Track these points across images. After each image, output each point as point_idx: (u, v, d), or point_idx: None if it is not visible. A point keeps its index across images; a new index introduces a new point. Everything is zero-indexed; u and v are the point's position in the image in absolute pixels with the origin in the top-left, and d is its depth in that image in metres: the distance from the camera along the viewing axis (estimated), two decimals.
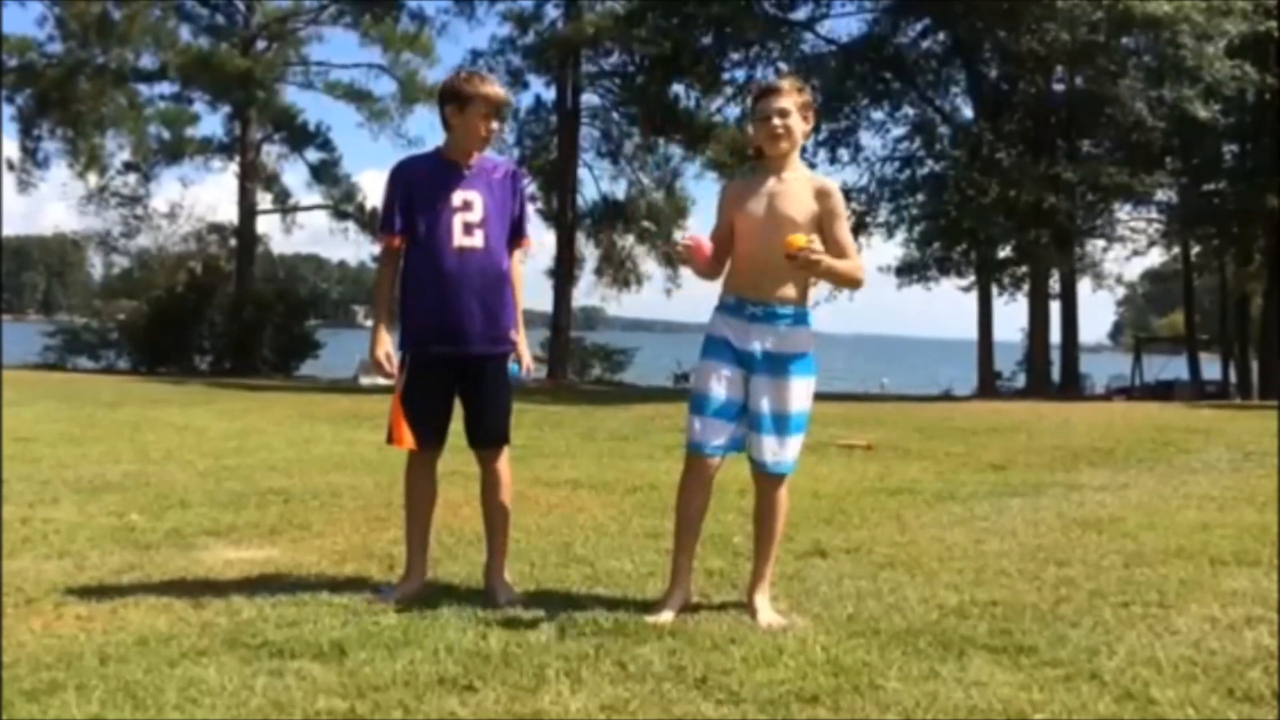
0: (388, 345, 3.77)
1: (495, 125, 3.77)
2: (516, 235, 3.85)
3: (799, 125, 3.52)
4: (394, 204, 3.80)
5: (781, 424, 3.50)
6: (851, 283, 3.66)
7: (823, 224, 3.50)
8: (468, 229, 3.69)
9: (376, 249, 32.74)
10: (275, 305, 29.97)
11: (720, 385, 3.50)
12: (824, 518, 5.40)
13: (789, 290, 3.51)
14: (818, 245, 3.36)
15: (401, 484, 3.94)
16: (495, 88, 3.77)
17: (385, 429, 3.83)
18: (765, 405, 3.49)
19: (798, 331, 3.53)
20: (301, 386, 21.28)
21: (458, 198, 3.70)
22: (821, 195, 3.53)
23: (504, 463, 3.85)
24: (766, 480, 3.58)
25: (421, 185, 3.76)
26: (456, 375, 3.76)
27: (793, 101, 3.50)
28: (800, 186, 3.54)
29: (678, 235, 3.60)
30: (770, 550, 3.60)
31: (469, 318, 3.69)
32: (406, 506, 3.89)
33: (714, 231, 3.65)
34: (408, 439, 3.76)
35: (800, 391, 3.52)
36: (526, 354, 3.86)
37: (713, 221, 3.70)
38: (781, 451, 3.52)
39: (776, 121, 3.48)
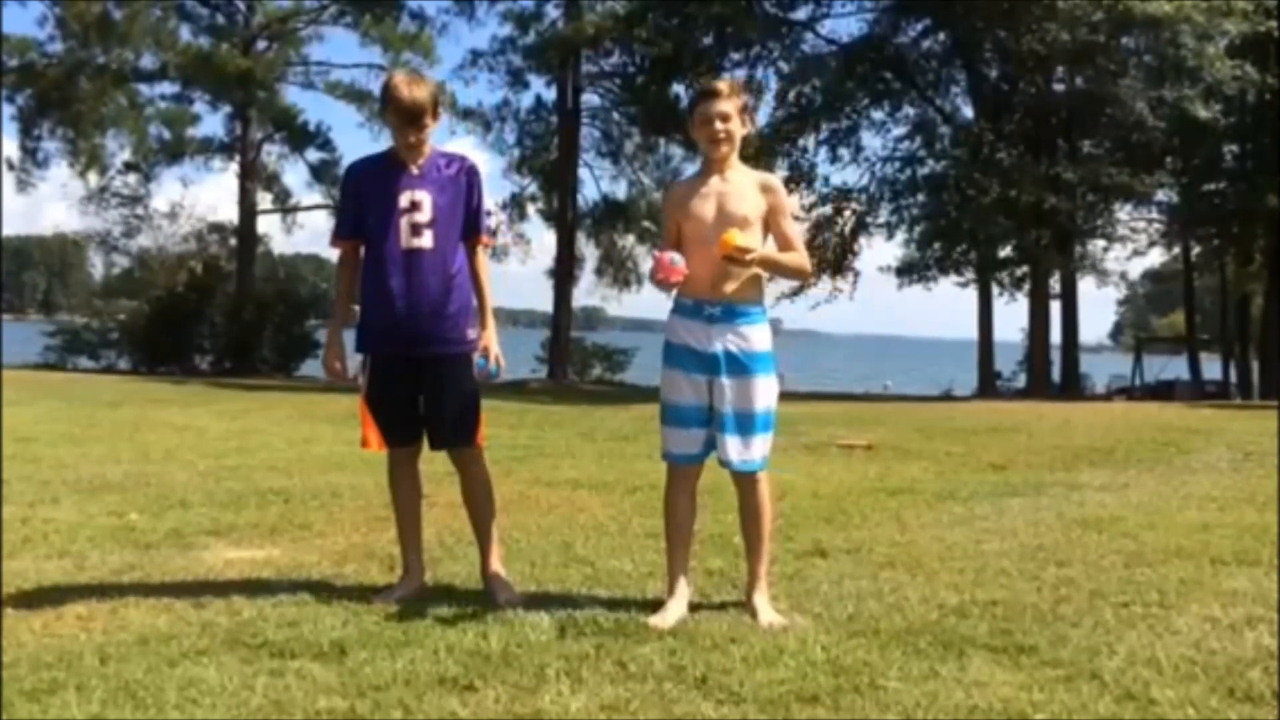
0: (337, 352, 3.80)
1: (418, 136, 3.62)
2: (473, 231, 3.78)
3: (739, 129, 3.55)
4: (344, 209, 3.81)
5: (747, 423, 3.50)
6: (798, 274, 3.72)
7: (768, 219, 3.56)
8: (415, 230, 3.65)
9: None
10: (275, 305, 29.94)
11: (687, 393, 3.52)
12: (824, 518, 5.40)
13: (746, 289, 3.54)
14: (752, 242, 3.45)
15: None
16: (410, 91, 3.59)
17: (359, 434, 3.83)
18: (730, 406, 3.49)
19: (758, 330, 3.55)
20: (301, 386, 21.26)
21: (405, 198, 3.65)
22: (766, 191, 3.58)
23: (478, 465, 3.82)
24: (739, 480, 3.59)
25: (369, 187, 3.71)
26: (415, 376, 3.72)
27: (733, 105, 3.53)
28: (745, 184, 3.58)
29: (654, 262, 3.54)
30: (761, 549, 3.60)
31: (419, 319, 3.65)
32: (394, 508, 3.90)
33: (664, 240, 3.66)
34: (375, 440, 3.76)
35: (764, 389, 3.52)
36: (495, 347, 3.77)
37: None
38: (747, 451, 3.51)
39: (718, 125, 3.51)
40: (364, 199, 3.72)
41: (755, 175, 3.65)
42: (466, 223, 3.75)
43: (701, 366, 3.51)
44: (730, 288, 3.50)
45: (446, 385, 3.72)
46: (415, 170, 3.69)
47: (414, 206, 3.66)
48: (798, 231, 3.69)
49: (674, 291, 3.56)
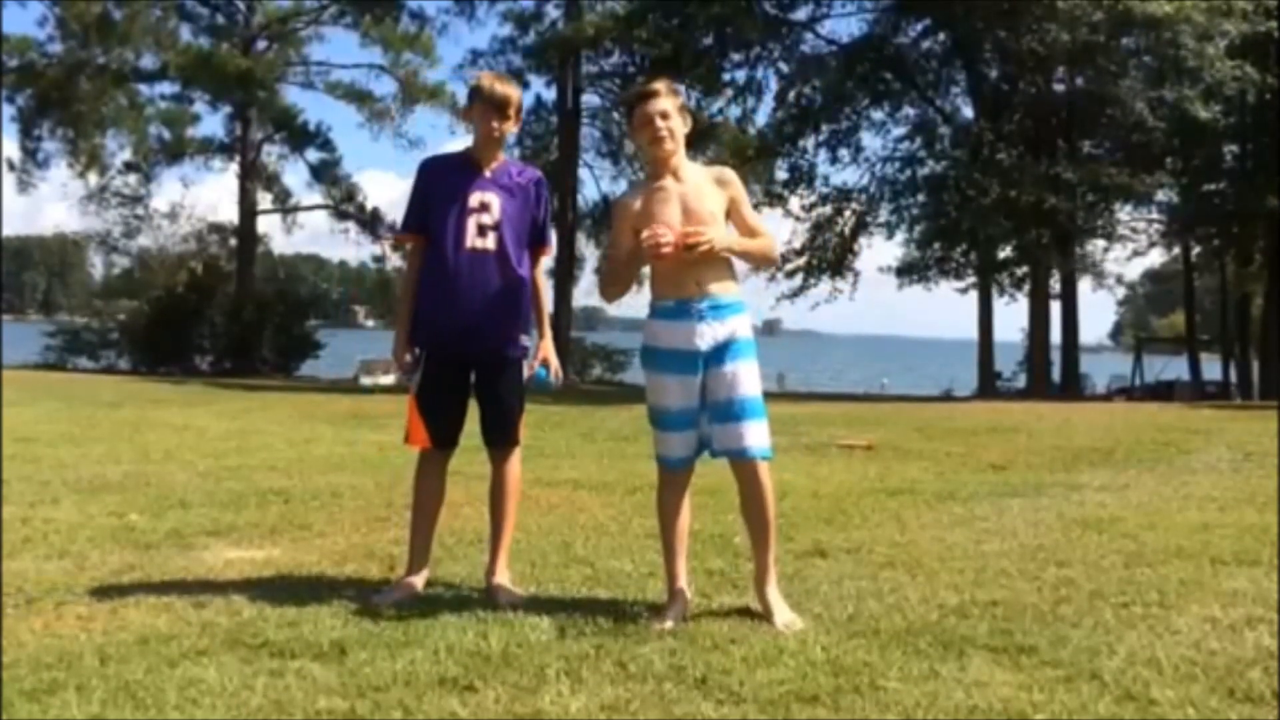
0: (406, 345, 3.80)
1: (501, 125, 3.74)
2: (539, 242, 3.86)
3: (680, 127, 3.55)
4: (412, 203, 3.86)
5: (750, 409, 3.49)
6: (766, 259, 3.74)
7: (730, 211, 3.58)
8: (481, 230, 3.71)
9: (376, 249, 32.67)
10: (275, 305, 30.00)
11: (678, 396, 3.51)
12: (824, 518, 5.40)
13: (727, 282, 3.54)
14: (717, 235, 3.46)
15: (406, 483, 3.96)
16: (501, 85, 3.76)
17: (403, 429, 3.85)
18: (722, 396, 3.49)
19: (741, 319, 3.56)
20: (301, 386, 21.28)
21: (475, 199, 3.72)
22: (724, 184, 3.59)
23: (512, 464, 3.86)
24: (742, 468, 3.54)
25: (440, 184, 3.79)
26: (469, 375, 3.78)
27: (672, 103, 3.53)
28: (702, 181, 3.58)
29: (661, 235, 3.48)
30: (768, 540, 3.55)
31: (478, 318, 3.70)
32: (414, 505, 3.89)
33: (613, 251, 3.65)
34: (421, 437, 3.77)
35: (749, 374, 3.51)
36: (554, 359, 3.84)
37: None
38: (747, 437, 3.48)
39: (660, 124, 3.50)
40: (432, 195, 3.78)
41: (708, 170, 3.66)
42: (532, 233, 3.82)
43: (690, 366, 3.49)
44: (713, 283, 3.49)
45: (500, 384, 3.78)
46: (488, 173, 3.77)
47: (483, 207, 3.72)
48: (760, 218, 3.71)
49: (651, 271, 3.55)
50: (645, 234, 3.39)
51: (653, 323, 3.56)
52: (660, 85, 3.57)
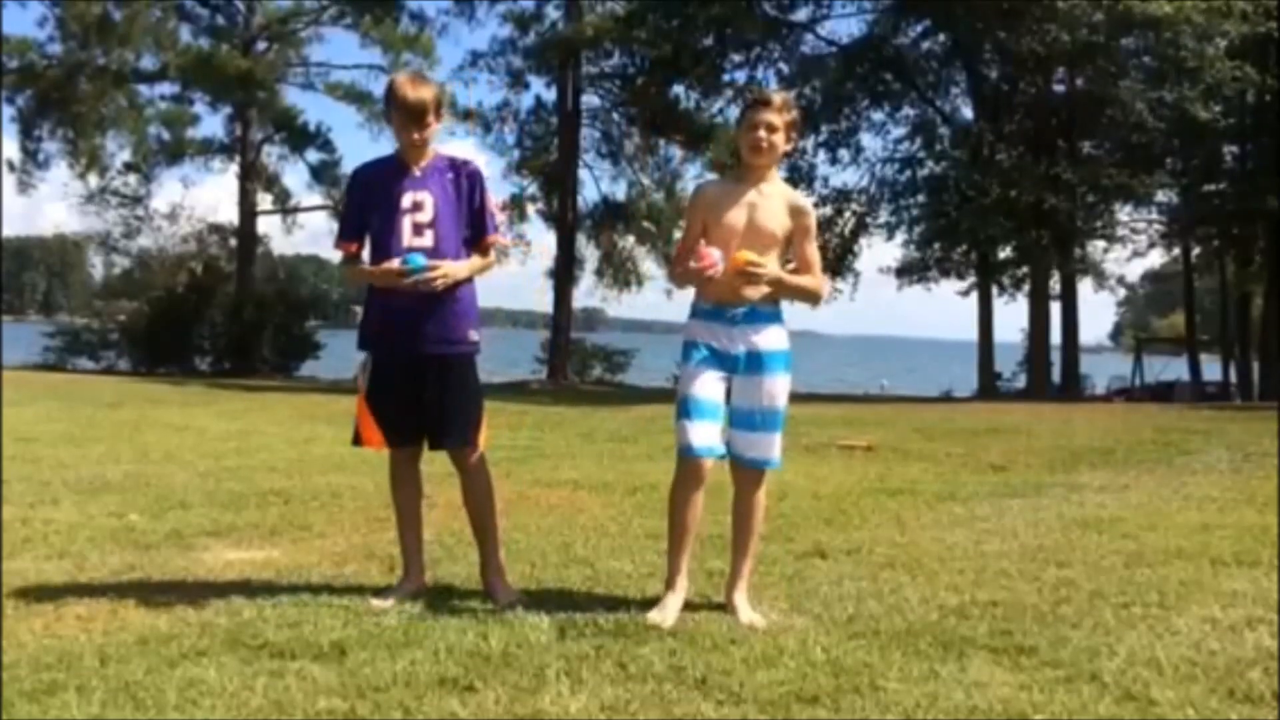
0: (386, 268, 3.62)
1: (421, 133, 3.63)
2: (478, 233, 3.79)
3: (782, 143, 3.60)
4: (347, 211, 3.86)
5: (767, 420, 3.59)
6: (810, 297, 3.76)
7: (793, 240, 3.65)
8: (417, 230, 3.67)
9: None
10: (275, 306, 29.96)
11: (706, 388, 3.55)
12: (824, 518, 5.40)
13: (766, 292, 3.58)
14: (770, 261, 3.54)
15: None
16: (414, 91, 3.62)
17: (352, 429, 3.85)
18: (749, 403, 3.57)
19: (777, 330, 3.63)
20: (301, 387, 21.29)
21: (408, 199, 3.68)
22: (796, 213, 3.65)
23: (478, 468, 3.81)
24: (745, 477, 3.64)
25: (373, 189, 3.76)
26: (416, 376, 3.72)
27: (781, 119, 3.58)
28: (778, 202, 3.63)
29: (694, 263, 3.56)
30: (750, 548, 3.65)
31: (422, 318, 3.66)
32: (395, 508, 3.90)
33: (685, 236, 3.72)
34: (375, 439, 3.78)
35: (781, 388, 3.61)
36: (444, 271, 3.59)
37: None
38: (767, 448, 3.60)
39: (762, 134, 3.56)
40: (367, 201, 3.76)
41: (787, 195, 3.71)
42: (472, 225, 3.77)
43: (723, 365, 3.56)
44: (753, 293, 3.55)
45: (447, 385, 3.73)
46: (418, 172, 3.72)
47: (416, 207, 3.68)
48: (818, 256, 3.75)
49: (695, 287, 3.62)
50: (693, 263, 3.48)
51: (692, 323, 3.65)
52: (778, 99, 3.63)
